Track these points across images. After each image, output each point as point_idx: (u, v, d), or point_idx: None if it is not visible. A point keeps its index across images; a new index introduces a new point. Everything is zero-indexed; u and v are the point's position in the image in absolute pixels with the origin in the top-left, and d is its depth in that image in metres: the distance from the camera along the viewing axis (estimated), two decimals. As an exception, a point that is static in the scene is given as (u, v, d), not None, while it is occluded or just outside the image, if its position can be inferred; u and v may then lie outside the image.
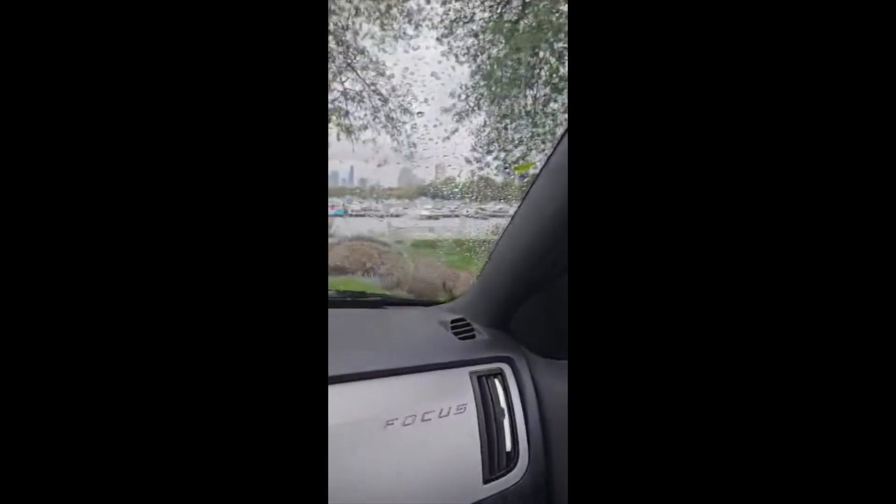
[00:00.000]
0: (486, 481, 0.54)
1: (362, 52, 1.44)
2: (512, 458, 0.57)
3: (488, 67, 1.34)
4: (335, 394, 0.49)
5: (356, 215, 1.60)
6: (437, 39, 1.24)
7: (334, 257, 1.04)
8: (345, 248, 1.06)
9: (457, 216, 1.43)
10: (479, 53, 1.36)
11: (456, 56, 1.31)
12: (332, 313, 0.64)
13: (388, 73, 1.40)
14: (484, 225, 1.25)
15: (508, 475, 0.56)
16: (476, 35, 1.33)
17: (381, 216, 1.56)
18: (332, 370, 0.50)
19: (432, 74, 1.14)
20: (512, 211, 0.64)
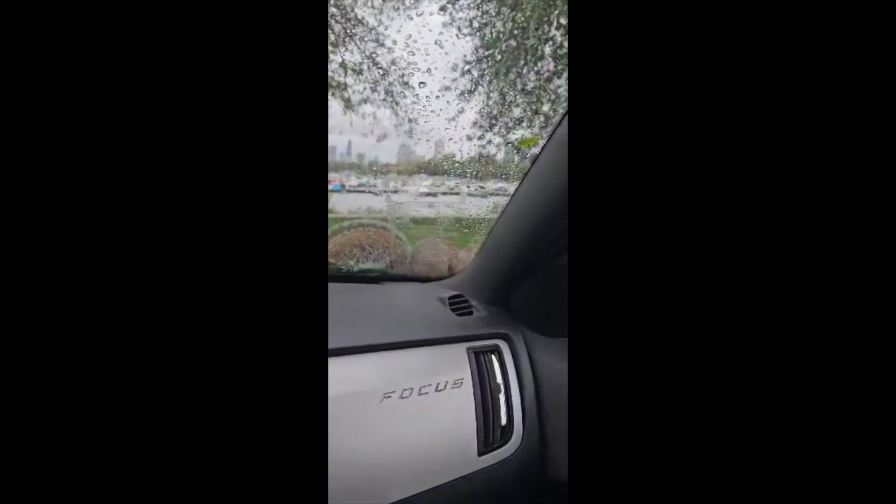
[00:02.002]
0: (481, 454, 0.55)
1: (361, 21, 1.39)
2: (507, 432, 0.59)
3: (492, 38, 1.31)
4: (333, 366, 0.50)
5: (354, 191, 1.58)
6: (441, 9, 1.20)
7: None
8: (335, 243, 1.03)
9: (456, 194, 1.41)
10: (482, 26, 1.31)
11: (458, 28, 1.27)
12: (331, 287, 0.64)
13: (388, 43, 1.36)
14: (483, 203, 1.24)
15: (503, 448, 0.58)
16: (479, 6, 1.29)
17: (379, 192, 1.54)
18: (331, 343, 0.50)
19: (436, 43, 1.11)
20: (511, 189, 0.64)
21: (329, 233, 1.07)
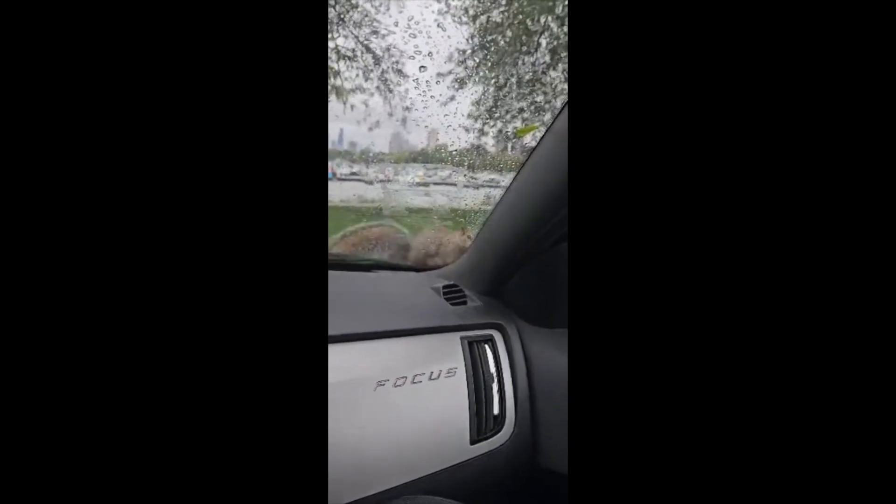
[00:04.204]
0: (473, 442, 0.56)
1: (356, 5, 1.36)
2: (499, 421, 0.59)
3: (490, 26, 1.30)
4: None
5: (345, 179, 1.56)
6: (436, -4, 1.18)
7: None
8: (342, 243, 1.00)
9: (451, 184, 1.41)
10: (478, 14, 1.30)
11: (456, 18, 1.26)
12: None
13: (382, 30, 1.34)
14: (475, 194, 1.24)
15: (495, 437, 0.58)
16: (476, -6, 1.27)
17: (371, 181, 1.52)
18: None
19: (438, 25, 1.09)
20: (504, 181, 0.64)
21: (337, 235, 1.04)
